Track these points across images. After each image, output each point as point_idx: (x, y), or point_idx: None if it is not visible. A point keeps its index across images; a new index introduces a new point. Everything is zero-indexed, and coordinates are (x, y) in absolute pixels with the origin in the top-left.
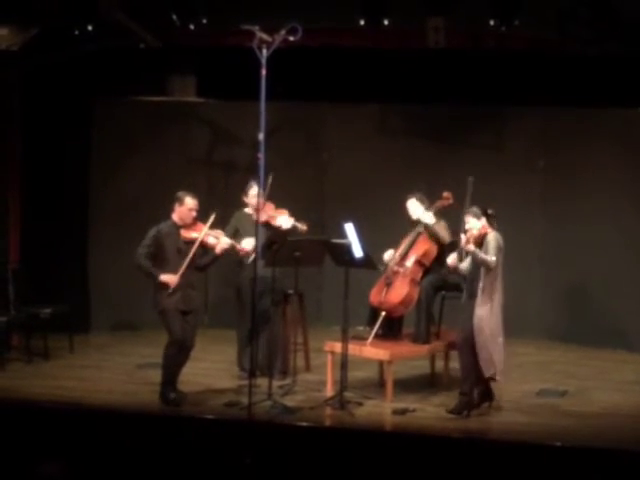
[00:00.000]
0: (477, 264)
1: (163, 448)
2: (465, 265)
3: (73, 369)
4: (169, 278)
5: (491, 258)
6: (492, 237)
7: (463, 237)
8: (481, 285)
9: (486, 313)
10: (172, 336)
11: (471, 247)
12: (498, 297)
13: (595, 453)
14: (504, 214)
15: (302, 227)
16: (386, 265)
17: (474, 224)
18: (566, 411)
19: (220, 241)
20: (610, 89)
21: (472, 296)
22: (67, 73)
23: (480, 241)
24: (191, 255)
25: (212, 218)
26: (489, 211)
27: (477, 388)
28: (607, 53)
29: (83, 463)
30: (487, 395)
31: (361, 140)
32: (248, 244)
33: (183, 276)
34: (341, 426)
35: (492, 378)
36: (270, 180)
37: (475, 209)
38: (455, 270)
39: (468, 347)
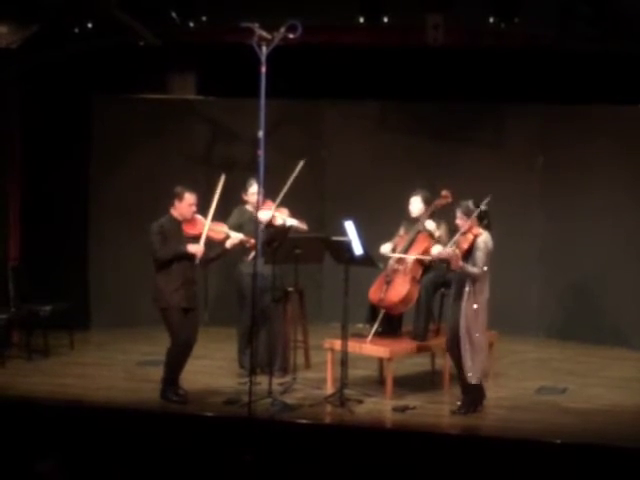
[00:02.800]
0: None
1: (163, 445)
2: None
3: (73, 366)
4: (195, 248)
5: (476, 270)
6: (481, 243)
7: (450, 250)
8: (467, 289)
9: (472, 316)
10: (175, 338)
11: (460, 264)
12: (484, 297)
13: (595, 450)
14: (503, 211)
15: (302, 227)
16: (384, 258)
17: (462, 222)
18: (565, 408)
19: (230, 236)
20: (610, 86)
21: (458, 298)
22: (67, 71)
23: (470, 246)
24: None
25: (222, 179)
26: (482, 207)
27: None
28: (607, 50)
29: (83, 460)
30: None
31: (361, 137)
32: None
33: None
34: (341, 423)
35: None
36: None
37: (468, 204)
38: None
39: (457, 348)
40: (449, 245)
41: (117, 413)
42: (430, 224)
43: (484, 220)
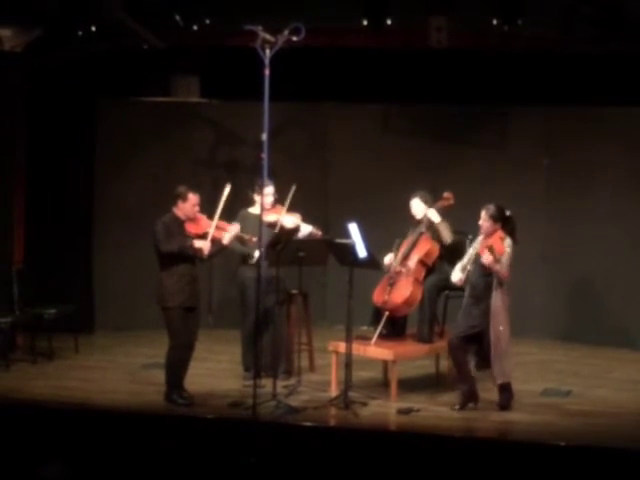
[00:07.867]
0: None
1: (167, 448)
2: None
3: (77, 369)
4: (202, 244)
5: (506, 272)
6: (507, 246)
7: (486, 256)
8: (493, 293)
9: (502, 318)
10: (175, 339)
11: (503, 271)
12: (509, 299)
13: (599, 452)
14: None
15: (317, 232)
16: (388, 268)
17: (488, 225)
18: (570, 410)
19: (229, 230)
20: (614, 87)
21: (479, 301)
22: (71, 74)
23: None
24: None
25: (227, 189)
26: (508, 213)
27: (463, 386)
28: (610, 52)
29: (87, 463)
30: (472, 396)
31: (364, 140)
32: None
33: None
34: (345, 426)
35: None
36: (293, 191)
37: (494, 210)
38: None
39: (464, 348)
40: (472, 250)
41: (122, 416)
42: (432, 213)
43: (509, 225)
